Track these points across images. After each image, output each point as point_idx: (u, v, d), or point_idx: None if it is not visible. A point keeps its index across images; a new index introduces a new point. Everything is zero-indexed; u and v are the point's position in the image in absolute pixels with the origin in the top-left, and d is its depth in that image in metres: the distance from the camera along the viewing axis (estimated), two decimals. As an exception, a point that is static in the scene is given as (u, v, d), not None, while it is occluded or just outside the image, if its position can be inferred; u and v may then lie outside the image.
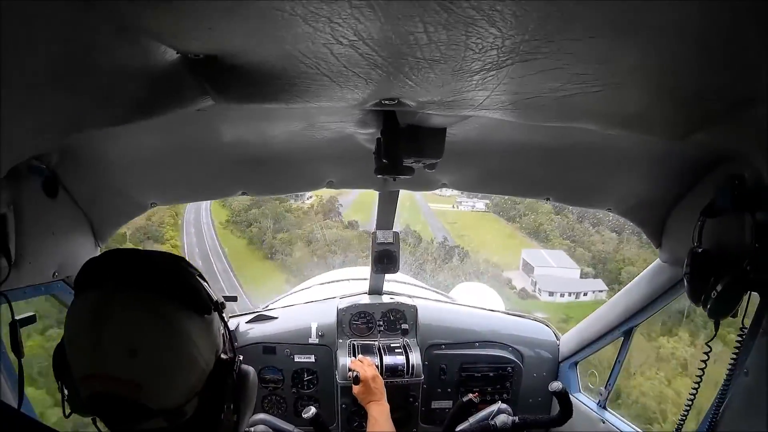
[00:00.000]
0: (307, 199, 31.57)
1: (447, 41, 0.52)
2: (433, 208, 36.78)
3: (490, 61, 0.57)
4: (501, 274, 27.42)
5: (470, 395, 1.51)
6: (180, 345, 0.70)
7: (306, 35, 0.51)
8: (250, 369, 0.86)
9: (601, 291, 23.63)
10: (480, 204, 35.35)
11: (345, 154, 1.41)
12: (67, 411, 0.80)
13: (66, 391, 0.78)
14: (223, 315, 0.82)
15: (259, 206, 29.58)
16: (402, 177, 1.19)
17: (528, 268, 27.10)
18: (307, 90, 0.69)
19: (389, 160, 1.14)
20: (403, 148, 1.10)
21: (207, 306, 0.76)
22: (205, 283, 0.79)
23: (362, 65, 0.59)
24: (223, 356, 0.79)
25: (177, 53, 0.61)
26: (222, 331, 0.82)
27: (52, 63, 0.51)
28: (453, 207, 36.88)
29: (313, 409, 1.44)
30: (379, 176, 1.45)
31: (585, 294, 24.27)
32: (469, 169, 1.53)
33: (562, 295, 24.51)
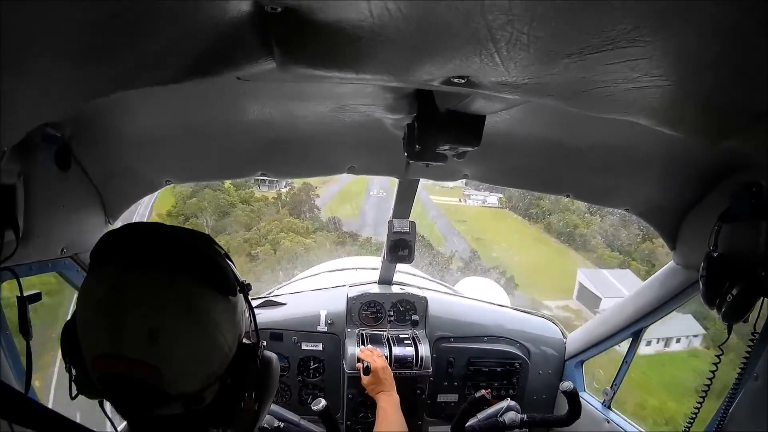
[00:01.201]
0: (283, 187, 26.09)
1: (564, 19, 0.49)
2: (436, 202, 31.45)
3: (590, 45, 0.54)
4: (545, 304, 18.99)
5: (483, 391, 1.50)
6: (204, 327, 0.65)
7: None
8: (273, 356, 0.81)
9: (695, 336, 14.10)
10: (492, 198, 30.14)
11: (370, 139, 1.37)
12: (74, 392, 0.74)
13: (74, 372, 0.73)
14: (249, 297, 0.77)
15: (199, 193, 21.74)
16: (434, 164, 1.16)
17: (588, 298, 18.26)
18: (384, 58, 0.63)
19: (423, 145, 1.10)
20: (440, 134, 1.06)
21: (233, 287, 0.71)
22: (231, 263, 0.74)
23: (463, 34, 0.54)
24: (245, 341, 0.75)
25: (255, 3, 0.55)
26: (246, 315, 0.77)
27: (100, 10, 0.45)
28: (460, 201, 31.50)
29: (323, 402, 1.41)
30: (409, 162, 1.41)
31: (678, 341, 14.13)
32: (494, 162, 1.51)
33: (648, 344, 12.79)
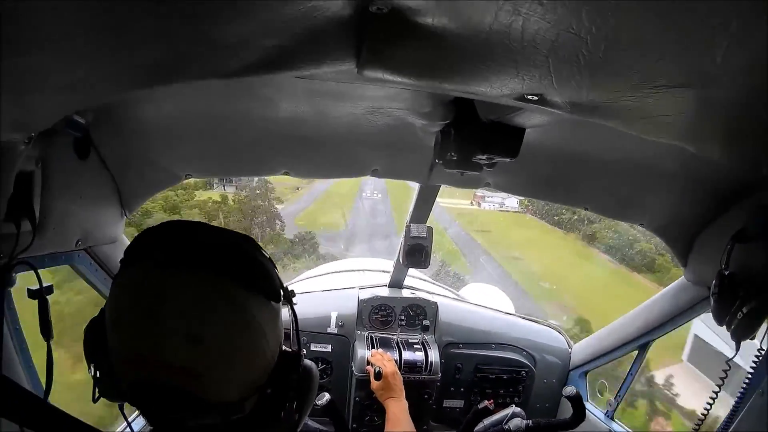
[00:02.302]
0: (229, 186, 18.93)
1: (665, 55, 0.47)
2: (444, 205, 25.82)
3: (679, 81, 0.52)
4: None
5: (485, 402, 1.50)
6: (248, 333, 0.62)
7: (552, 17, 0.44)
8: (313, 365, 0.79)
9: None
10: (511, 201, 25.41)
11: (397, 143, 1.35)
12: (96, 395, 0.70)
13: (98, 374, 0.68)
14: (293, 305, 0.75)
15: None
16: (468, 172, 1.14)
17: (707, 356, 9.08)
18: (475, 70, 0.60)
19: (459, 154, 1.08)
20: (480, 143, 1.04)
21: (277, 292, 0.68)
22: (275, 268, 0.71)
23: (568, 58, 0.52)
24: (287, 349, 0.72)
25: (357, 4, 0.51)
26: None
27: None
28: (472, 204, 26.88)
29: (327, 396, 1.37)
30: (433, 167, 1.38)
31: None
32: (518, 172, 1.50)
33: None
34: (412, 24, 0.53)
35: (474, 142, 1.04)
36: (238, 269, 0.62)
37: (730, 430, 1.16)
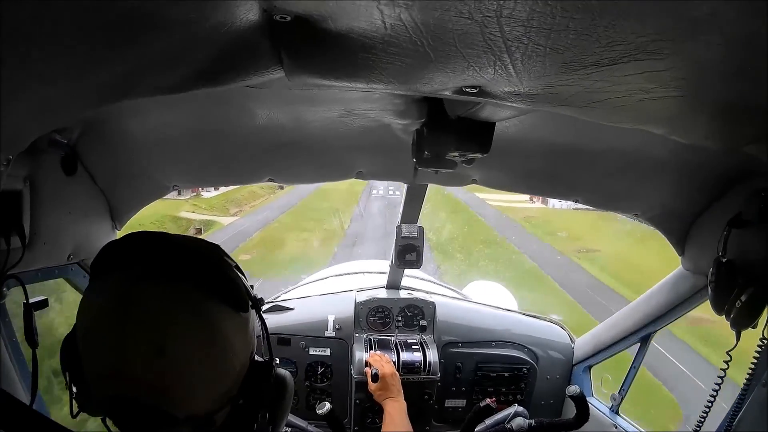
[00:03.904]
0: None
1: (582, 30, 0.46)
2: (494, 205, 21.32)
3: (609, 56, 0.51)
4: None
5: (488, 400, 1.48)
6: (214, 344, 0.61)
7: (435, 3, 0.44)
8: (287, 373, 0.77)
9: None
10: None
11: (378, 144, 1.35)
12: (75, 410, 0.70)
13: (74, 389, 0.68)
14: (261, 313, 0.74)
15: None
16: (443, 170, 1.14)
17: None
18: (395, 68, 0.61)
19: (432, 152, 1.09)
20: (450, 140, 1.04)
21: (245, 302, 0.67)
22: (243, 276, 0.70)
23: (477, 45, 0.52)
24: (258, 358, 0.71)
25: (264, 12, 0.53)
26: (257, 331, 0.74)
27: (106, 13, 0.44)
28: (533, 202, 21.91)
29: (327, 405, 1.39)
30: (417, 167, 1.39)
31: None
32: (503, 167, 1.49)
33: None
34: (319, 29, 0.54)
35: (445, 139, 1.04)
36: (202, 279, 0.62)
37: (734, 423, 1.13)
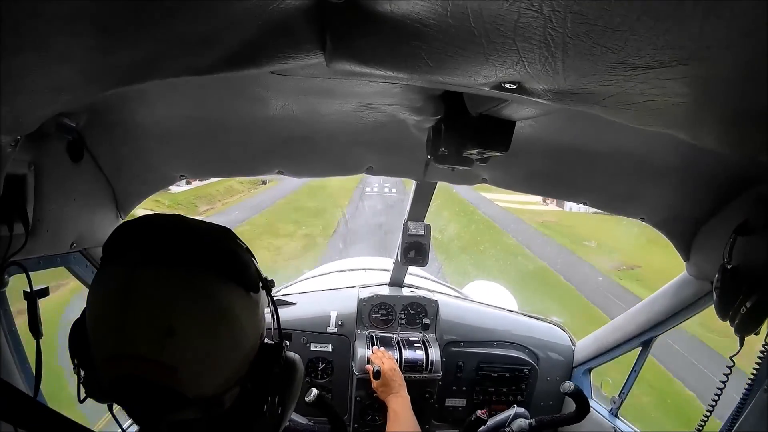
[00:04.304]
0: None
1: (644, 32, 0.45)
2: (502, 206, 19.54)
3: (660, 59, 0.50)
4: None
5: (479, 412, 1.48)
6: (224, 325, 0.61)
7: None
8: (297, 356, 0.77)
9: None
10: None
11: (390, 140, 1.34)
12: (82, 395, 0.69)
13: (83, 373, 0.68)
14: (272, 294, 0.73)
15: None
16: (459, 168, 1.12)
17: None
18: (442, 58, 0.59)
19: (450, 149, 1.07)
20: (469, 138, 1.03)
21: (255, 283, 0.66)
22: (254, 258, 0.70)
23: (535, 40, 0.50)
24: (267, 341, 0.71)
25: None
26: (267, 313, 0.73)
27: None
28: (547, 204, 20.32)
29: (314, 391, 1.36)
30: (428, 164, 1.37)
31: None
32: (514, 167, 1.48)
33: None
34: (372, 13, 0.52)
35: (464, 136, 1.03)
36: (213, 261, 0.61)
37: (735, 428, 1.14)
